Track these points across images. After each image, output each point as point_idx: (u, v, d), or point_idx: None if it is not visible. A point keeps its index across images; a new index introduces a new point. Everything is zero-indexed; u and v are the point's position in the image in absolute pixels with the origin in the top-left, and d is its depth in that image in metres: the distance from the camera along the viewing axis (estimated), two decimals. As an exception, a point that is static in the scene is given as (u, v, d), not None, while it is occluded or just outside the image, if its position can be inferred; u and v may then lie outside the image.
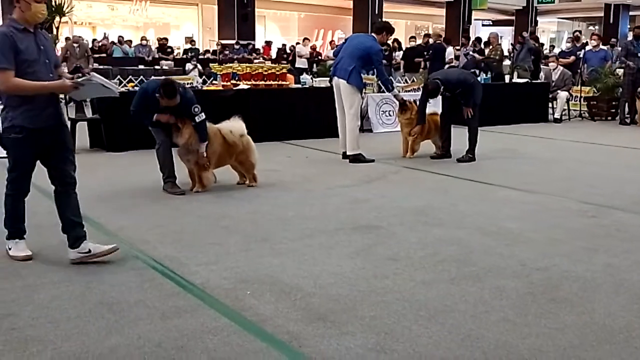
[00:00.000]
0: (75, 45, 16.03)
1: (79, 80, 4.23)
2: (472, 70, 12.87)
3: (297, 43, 24.07)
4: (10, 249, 4.39)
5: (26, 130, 4.11)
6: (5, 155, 4.31)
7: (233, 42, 24.39)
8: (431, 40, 18.53)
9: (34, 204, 5.89)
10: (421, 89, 9.49)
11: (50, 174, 4.33)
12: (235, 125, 6.57)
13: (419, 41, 19.59)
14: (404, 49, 19.93)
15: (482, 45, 17.43)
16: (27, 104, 4.09)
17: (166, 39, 23.03)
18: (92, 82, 4.21)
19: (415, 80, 17.12)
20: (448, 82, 8.49)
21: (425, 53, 18.00)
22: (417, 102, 8.92)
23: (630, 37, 13.84)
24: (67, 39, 17.91)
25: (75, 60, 15.71)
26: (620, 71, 13.94)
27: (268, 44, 25.38)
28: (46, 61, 4.16)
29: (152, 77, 8.71)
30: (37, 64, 4.09)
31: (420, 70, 17.94)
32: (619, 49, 15.47)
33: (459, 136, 8.82)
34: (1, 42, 3.97)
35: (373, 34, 8.68)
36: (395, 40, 21.45)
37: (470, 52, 16.69)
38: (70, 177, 4.32)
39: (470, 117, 8.56)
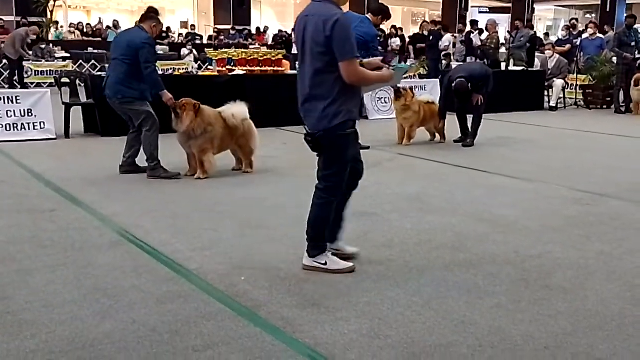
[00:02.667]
0: (34, 36, 15.77)
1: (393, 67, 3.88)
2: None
3: (293, 29, 23.95)
4: (325, 264, 3.86)
5: (354, 125, 3.74)
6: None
7: (229, 27, 24.29)
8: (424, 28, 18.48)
9: (24, 188, 5.90)
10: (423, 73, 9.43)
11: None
12: (237, 109, 6.55)
13: (417, 29, 19.57)
14: (399, 35, 19.88)
15: (475, 30, 17.43)
16: (357, 96, 3.76)
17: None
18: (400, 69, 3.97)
19: (412, 66, 17.07)
20: (472, 78, 8.44)
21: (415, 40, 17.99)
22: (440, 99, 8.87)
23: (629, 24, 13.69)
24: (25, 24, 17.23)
25: (27, 47, 15.49)
26: (614, 58, 13.89)
27: (258, 31, 25.23)
28: None
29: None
30: None
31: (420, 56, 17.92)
32: (611, 35, 15.38)
33: (450, 124, 8.90)
34: (350, 30, 3.62)
35: (368, 15, 8.24)
36: (393, 26, 21.40)
37: (473, 34, 16.67)
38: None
39: (479, 105, 8.57)
